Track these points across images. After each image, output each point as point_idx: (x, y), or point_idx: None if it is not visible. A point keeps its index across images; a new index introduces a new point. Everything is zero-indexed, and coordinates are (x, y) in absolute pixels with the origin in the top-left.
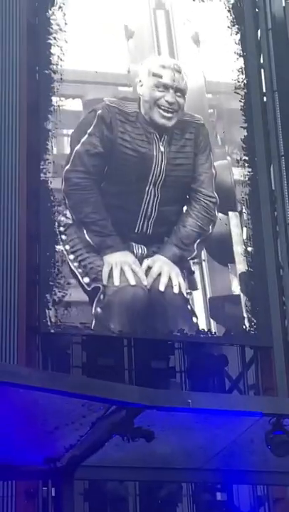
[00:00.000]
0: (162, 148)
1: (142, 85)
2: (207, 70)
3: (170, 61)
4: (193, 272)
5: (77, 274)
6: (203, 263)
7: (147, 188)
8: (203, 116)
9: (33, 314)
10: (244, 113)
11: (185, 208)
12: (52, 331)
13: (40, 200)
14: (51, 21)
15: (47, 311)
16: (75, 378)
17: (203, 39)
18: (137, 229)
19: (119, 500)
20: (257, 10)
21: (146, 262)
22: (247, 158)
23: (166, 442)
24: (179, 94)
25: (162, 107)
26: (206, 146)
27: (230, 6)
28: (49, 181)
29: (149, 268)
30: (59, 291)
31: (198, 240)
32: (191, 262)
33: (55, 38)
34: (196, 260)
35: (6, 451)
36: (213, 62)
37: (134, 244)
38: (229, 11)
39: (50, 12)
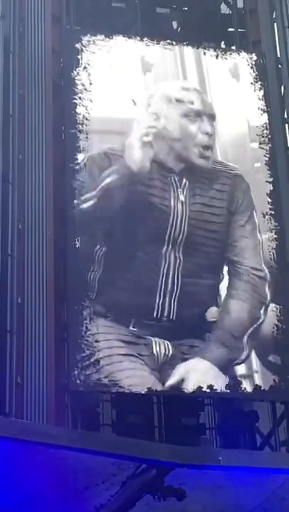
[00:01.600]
0: (182, 197)
1: (156, 118)
2: (250, 112)
3: (189, 83)
4: None
5: None
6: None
7: (164, 250)
8: (244, 169)
9: (62, 372)
10: (269, 168)
11: (224, 285)
12: (81, 388)
13: (68, 259)
14: (76, 81)
15: (76, 369)
16: (104, 437)
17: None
18: (155, 313)
19: None
20: (280, 66)
21: (178, 372)
22: (273, 212)
23: (197, 501)
24: (212, 122)
25: (201, 144)
26: (247, 204)
27: (253, 62)
28: (76, 239)
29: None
30: (87, 349)
31: (249, 332)
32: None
33: (80, 98)
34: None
35: (36, 510)
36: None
37: (152, 339)
38: (252, 67)
39: (75, 72)
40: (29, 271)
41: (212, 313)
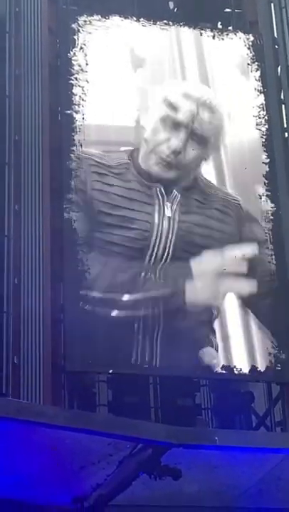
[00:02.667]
0: (169, 213)
1: (146, 114)
2: (244, 109)
3: (200, 91)
4: None
5: None
6: None
7: (143, 275)
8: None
9: (58, 353)
10: (266, 149)
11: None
12: (77, 369)
13: (64, 240)
14: (73, 62)
15: (72, 349)
16: (101, 417)
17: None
18: (134, 357)
19: None
20: (277, 47)
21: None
22: (269, 193)
23: (193, 480)
24: (195, 141)
25: (160, 155)
26: (251, 239)
27: (250, 43)
28: (72, 220)
29: None
30: (84, 330)
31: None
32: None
33: (76, 79)
34: None
35: (34, 491)
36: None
37: None
38: (249, 48)
39: (71, 53)
40: (25, 251)
41: (209, 355)
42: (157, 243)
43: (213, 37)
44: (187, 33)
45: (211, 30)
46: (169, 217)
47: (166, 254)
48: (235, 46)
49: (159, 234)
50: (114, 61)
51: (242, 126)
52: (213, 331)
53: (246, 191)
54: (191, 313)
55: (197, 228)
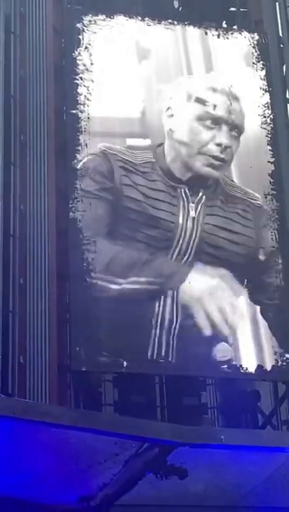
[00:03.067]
0: (194, 214)
1: (171, 115)
2: (251, 108)
3: (223, 81)
4: None
5: None
6: None
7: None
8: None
9: (64, 352)
10: (271, 147)
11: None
12: (83, 368)
13: (69, 239)
14: (78, 61)
15: (78, 348)
16: (107, 416)
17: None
18: (150, 351)
19: None
20: (282, 46)
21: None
22: (275, 192)
23: (199, 480)
24: (235, 133)
25: (210, 154)
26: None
27: (255, 42)
28: (78, 220)
29: None
30: (90, 329)
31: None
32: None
33: (81, 78)
34: None
35: (40, 490)
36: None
37: None
38: (254, 47)
39: (76, 52)
40: (31, 251)
41: (223, 351)
42: (180, 244)
43: (218, 36)
44: (192, 32)
45: (216, 29)
46: (194, 218)
47: (188, 255)
48: (240, 45)
49: (182, 234)
50: (119, 54)
51: (248, 124)
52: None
53: (252, 190)
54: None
55: (219, 231)
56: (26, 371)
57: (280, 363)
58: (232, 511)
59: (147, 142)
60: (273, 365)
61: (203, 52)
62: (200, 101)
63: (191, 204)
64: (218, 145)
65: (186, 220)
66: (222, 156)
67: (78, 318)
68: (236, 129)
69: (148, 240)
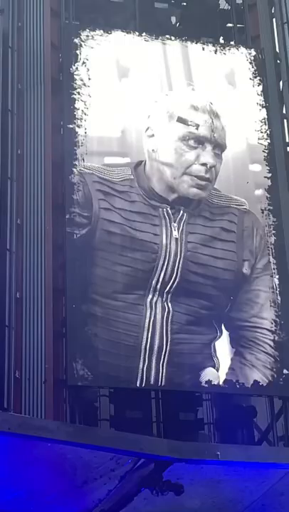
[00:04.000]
0: (176, 234)
1: (152, 135)
2: (248, 127)
3: (204, 99)
4: None
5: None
6: None
7: (148, 299)
8: (247, 198)
9: (60, 367)
10: (267, 163)
11: (227, 347)
12: (79, 383)
13: (67, 253)
14: (75, 76)
15: (74, 363)
16: (103, 432)
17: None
18: (139, 381)
19: None
20: (278, 61)
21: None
22: (271, 207)
23: (195, 495)
24: (218, 151)
25: (195, 175)
26: (263, 248)
27: (252, 58)
28: (74, 234)
29: None
30: (86, 344)
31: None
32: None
33: (79, 93)
34: None
35: (35, 505)
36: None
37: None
38: (251, 62)
39: (74, 67)
40: (28, 266)
41: (209, 375)
42: (165, 265)
43: (215, 51)
44: (179, 48)
45: (213, 45)
46: (177, 239)
47: (174, 275)
48: (229, 60)
49: (167, 256)
50: (100, 71)
51: (242, 138)
52: (215, 350)
53: (249, 204)
54: (195, 332)
55: (202, 248)
56: (22, 386)
57: (276, 378)
58: None
59: (126, 160)
60: (269, 381)
61: (184, 68)
62: (182, 121)
63: (173, 224)
64: (203, 165)
65: (170, 241)
66: (207, 176)
67: (74, 332)
68: (219, 147)
69: (131, 264)
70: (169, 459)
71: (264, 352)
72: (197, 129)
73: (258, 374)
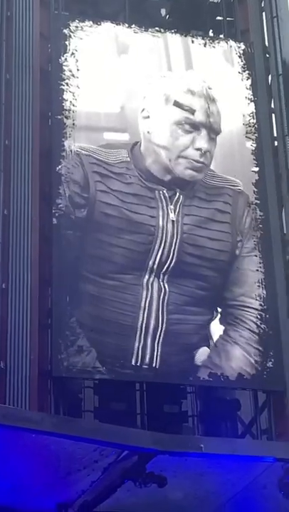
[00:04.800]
0: (173, 216)
1: (147, 117)
2: (244, 104)
3: (200, 83)
4: None
5: None
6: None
7: (145, 280)
8: (242, 177)
9: (45, 358)
10: (255, 157)
11: (218, 326)
12: (64, 374)
13: (53, 245)
14: (64, 67)
15: (59, 355)
16: (87, 423)
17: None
18: (134, 359)
19: None
20: (267, 56)
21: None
22: (258, 201)
23: (178, 488)
24: (212, 135)
25: (191, 158)
26: (252, 227)
27: (241, 51)
28: (61, 225)
29: None
30: (71, 335)
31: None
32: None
33: (67, 84)
34: None
35: (18, 496)
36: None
37: None
38: (240, 56)
39: (62, 58)
40: (14, 256)
41: (203, 354)
42: (162, 247)
43: (205, 45)
44: (176, 36)
45: (203, 38)
46: (173, 221)
47: (170, 257)
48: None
49: (163, 238)
50: (99, 49)
51: (230, 132)
52: (210, 331)
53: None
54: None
55: (198, 230)
56: (7, 376)
57: (260, 371)
58: None
59: (125, 137)
60: (254, 374)
61: (183, 52)
62: (178, 105)
63: (170, 206)
64: (198, 149)
65: (166, 223)
66: (202, 159)
67: (60, 323)
68: (214, 131)
69: (128, 245)
70: (153, 451)
71: (248, 329)
72: (193, 114)
73: (240, 351)
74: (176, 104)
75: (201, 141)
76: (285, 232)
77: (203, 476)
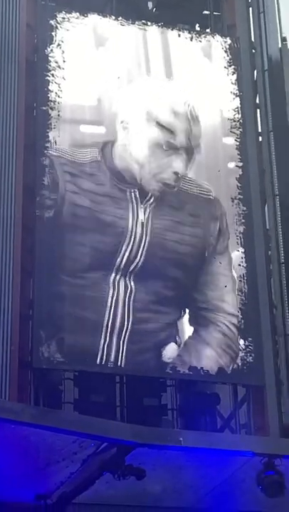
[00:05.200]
0: (143, 217)
1: (126, 128)
2: (229, 99)
3: (185, 102)
4: None
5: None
6: None
7: (111, 278)
8: (216, 179)
9: (26, 349)
10: (239, 152)
11: (188, 328)
12: (44, 366)
13: (36, 236)
14: (50, 58)
15: (40, 346)
16: (66, 415)
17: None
18: (99, 358)
19: None
20: (253, 51)
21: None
22: (242, 196)
23: (157, 481)
24: (190, 156)
25: (164, 180)
26: (224, 234)
27: (227, 46)
28: (44, 216)
29: None
30: (52, 327)
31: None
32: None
33: (53, 75)
34: None
35: None
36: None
37: None
38: (226, 51)
39: (48, 49)
40: None
41: (171, 351)
42: (130, 247)
43: (191, 38)
44: (157, 34)
45: (189, 32)
46: (143, 222)
47: (138, 257)
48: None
49: (132, 238)
50: (82, 41)
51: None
52: (178, 330)
53: (219, 193)
54: (158, 311)
55: (169, 233)
56: None
57: (240, 366)
58: None
59: (101, 130)
60: (234, 369)
61: (163, 55)
62: (161, 127)
63: (140, 207)
64: (175, 173)
65: (136, 223)
66: (176, 183)
67: (41, 315)
68: (193, 152)
69: (96, 245)
70: (132, 443)
71: (221, 332)
72: (175, 139)
73: (211, 352)
74: (159, 125)
75: (179, 163)
76: (267, 227)
77: (181, 470)
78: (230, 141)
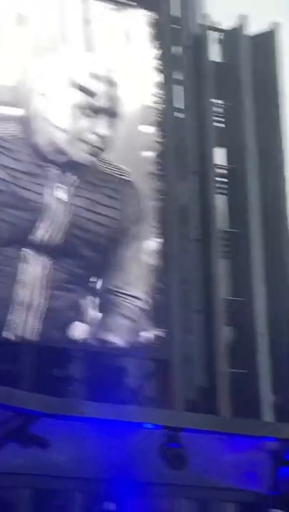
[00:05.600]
0: (61, 195)
1: (43, 94)
2: (141, 86)
3: (104, 66)
4: None
5: None
6: None
7: (23, 254)
8: (134, 166)
9: None
10: (160, 128)
11: (97, 306)
12: None
13: None
14: None
15: None
16: None
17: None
18: (5, 331)
19: (11, 507)
20: (176, 26)
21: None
22: (161, 172)
23: (62, 451)
24: (112, 120)
25: (89, 143)
26: (138, 217)
27: (150, 21)
28: None
29: None
30: None
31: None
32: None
33: None
34: None
35: None
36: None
37: None
38: (149, 26)
39: None
40: None
41: (80, 328)
42: (47, 225)
43: (116, 10)
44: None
45: (115, 4)
46: (61, 200)
47: (55, 235)
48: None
49: (50, 216)
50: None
51: (136, 99)
52: (87, 309)
53: (138, 169)
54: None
55: (86, 212)
56: None
57: (149, 340)
58: (93, 483)
59: (20, 112)
60: (142, 342)
61: (84, 27)
62: (81, 89)
63: (59, 185)
64: (97, 134)
65: (54, 201)
66: (99, 145)
67: None
68: (114, 116)
69: (12, 220)
70: (37, 413)
71: (130, 310)
72: (95, 98)
73: (120, 326)
74: (78, 87)
75: (101, 126)
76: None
77: (86, 441)
78: (150, 119)
